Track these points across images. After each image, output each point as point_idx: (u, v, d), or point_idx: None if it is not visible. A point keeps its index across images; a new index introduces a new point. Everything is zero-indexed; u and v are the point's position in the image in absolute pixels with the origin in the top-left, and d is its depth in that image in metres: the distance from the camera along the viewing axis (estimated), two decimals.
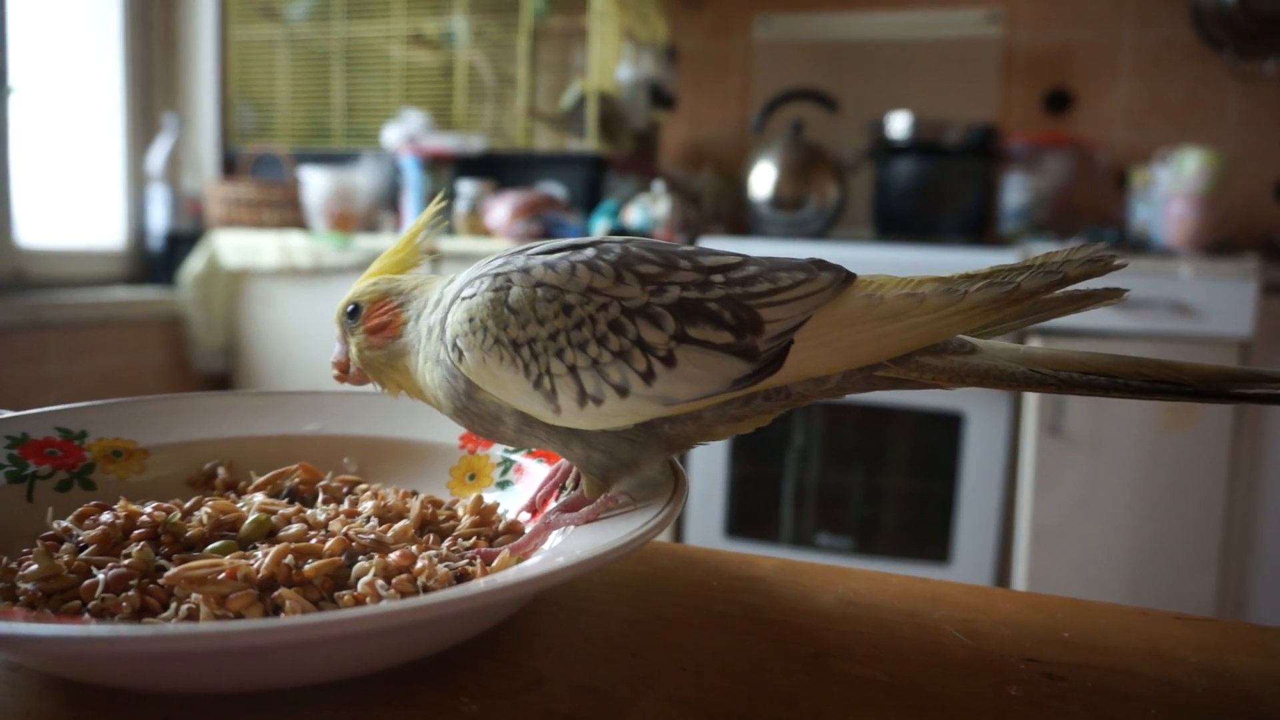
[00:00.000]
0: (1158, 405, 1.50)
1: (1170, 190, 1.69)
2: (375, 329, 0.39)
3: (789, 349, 0.33)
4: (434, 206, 0.41)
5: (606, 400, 0.34)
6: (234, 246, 1.92)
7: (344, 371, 0.40)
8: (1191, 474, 1.50)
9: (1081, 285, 0.33)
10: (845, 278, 0.35)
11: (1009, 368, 0.33)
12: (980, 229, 1.92)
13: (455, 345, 0.35)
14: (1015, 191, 1.93)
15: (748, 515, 1.74)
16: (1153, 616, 0.38)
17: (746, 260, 0.35)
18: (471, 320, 0.35)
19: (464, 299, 0.35)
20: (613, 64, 1.99)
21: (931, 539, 1.63)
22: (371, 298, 0.39)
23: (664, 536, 1.71)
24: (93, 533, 0.33)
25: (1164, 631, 0.36)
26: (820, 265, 0.35)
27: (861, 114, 2.02)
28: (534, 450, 0.44)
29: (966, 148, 1.87)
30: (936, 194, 1.89)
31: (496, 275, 0.35)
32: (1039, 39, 2.09)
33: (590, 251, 0.35)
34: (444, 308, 0.37)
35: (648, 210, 1.77)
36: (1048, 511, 1.55)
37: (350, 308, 0.40)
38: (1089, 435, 1.52)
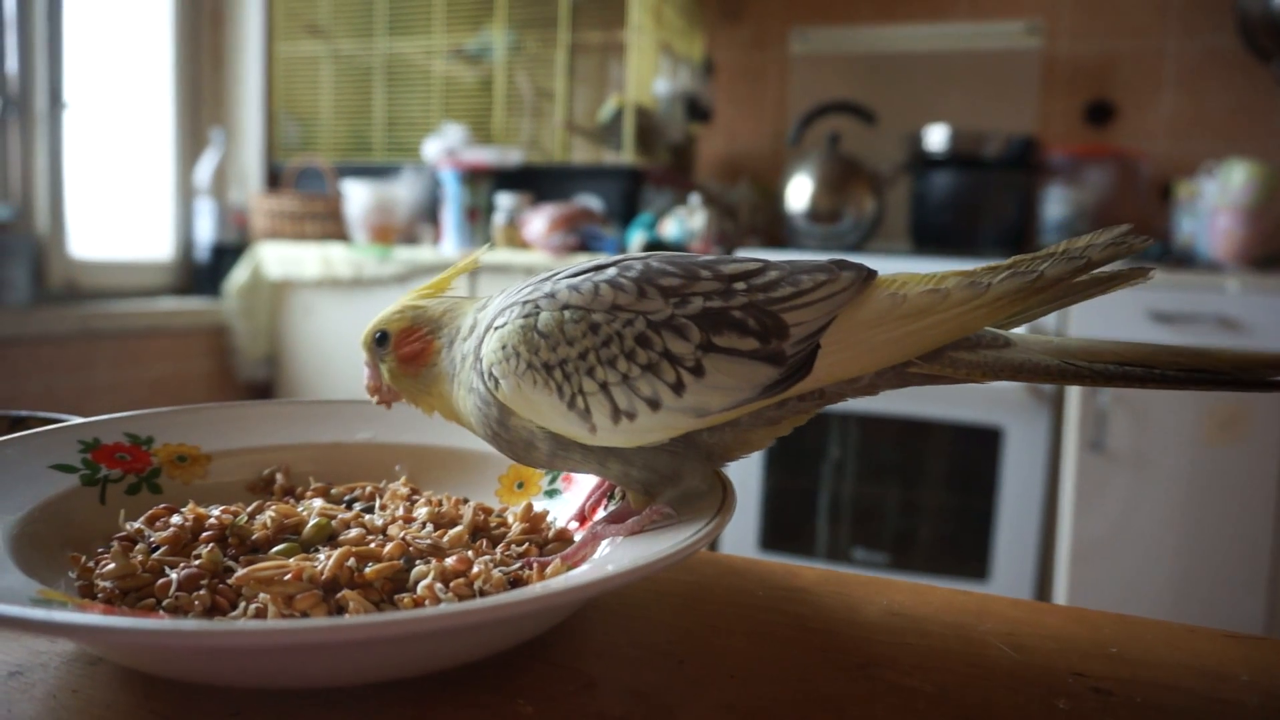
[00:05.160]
0: (1203, 420, 1.47)
1: (1216, 203, 1.66)
2: (407, 357, 0.39)
3: (816, 352, 0.34)
4: (474, 256, 0.42)
5: (639, 415, 0.34)
6: (277, 258, 1.96)
7: (378, 392, 0.41)
8: (1239, 491, 1.47)
9: (1106, 269, 0.33)
10: (867, 275, 0.35)
11: (1043, 360, 0.33)
12: (1020, 242, 1.91)
13: (491, 374, 0.36)
14: (1056, 204, 1.91)
15: (782, 528, 1.73)
16: (1202, 633, 0.37)
17: (767, 265, 0.36)
18: (504, 348, 0.35)
19: (496, 329, 0.36)
20: (650, 78, 2.01)
21: (970, 555, 1.62)
22: (399, 325, 0.40)
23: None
24: (164, 534, 0.35)
25: (1214, 648, 0.36)
26: (841, 265, 0.35)
27: (899, 126, 2.02)
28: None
29: (1006, 160, 1.86)
30: (975, 207, 1.88)
31: (525, 303, 0.36)
32: (1080, 50, 2.07)
33: (612, 270, 0.36)
34: (478, 336, 0.37)
35: (684, 223, 1.78)
36: (1089, 528, 1.52)
37: (378, 335, 0.40)
38: (1132, 451, 1.50)
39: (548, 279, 0.37)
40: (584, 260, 0.38)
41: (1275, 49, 1.85)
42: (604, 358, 0.34)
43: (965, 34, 2.13)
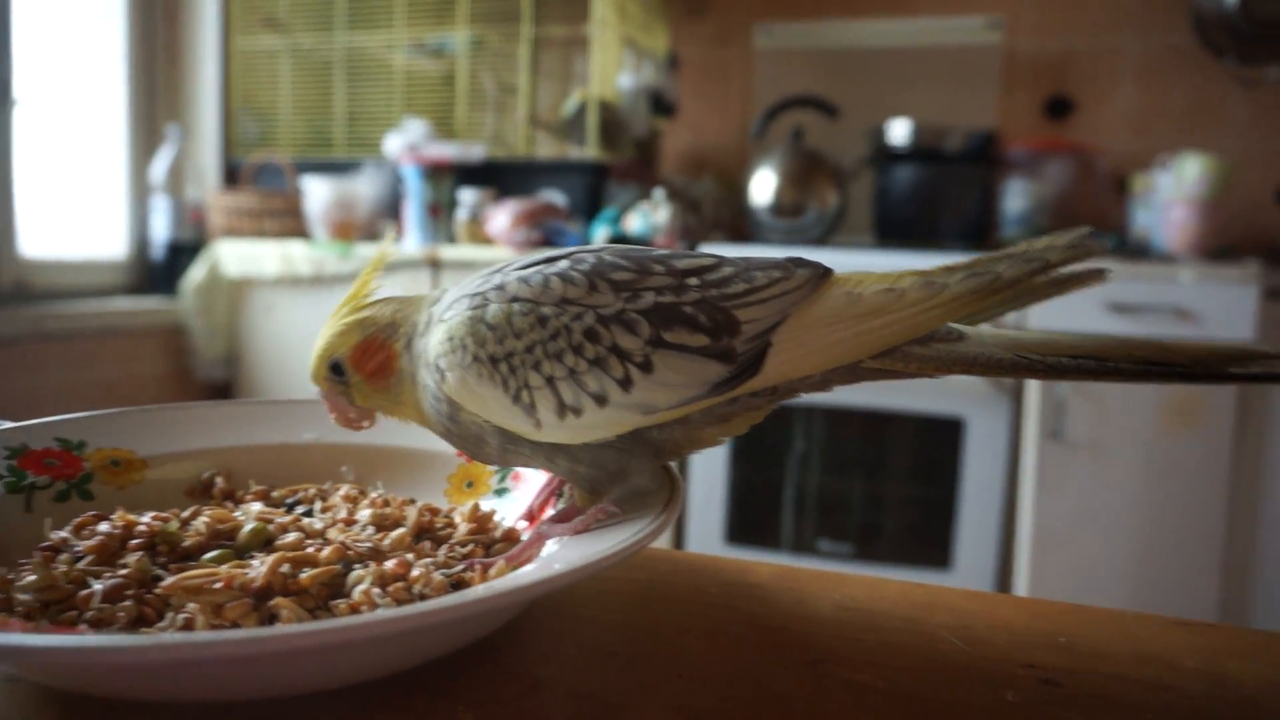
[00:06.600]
0: (1159, 408, 1.50)
1: (1171, 196, 1.69)
2: (375, 373, 0.37)
3: (767, 350, 0.33)
4: (383, 249, 0.40)
5: (586, 411, 0.33)
6: (236, 256, 1.92)
7: (350, 423, 0.39)
8: (1193, 478, 1.50)
9: (1063, 270, 0.33)
10: (822, 274, 0.35)
11: (997, 354, 0.32)
12: (981, 235, 1.92)
13: (438, 366, 0.35)
14: (1016, 197, 1.93)
15: (748, 521, 1.74)
16: (1151, 621, 0.37)
17: (722, 261, 0.35)
18: (451, 340, 0.35)
19: (443, 320, 0.35)
20: (613, 72, 2.00)
21: (933, 544, 1.63)
22: (351, 343, 0.38)
23: (664, 543, 1.69)
24: (90, 543, 0.33)
25: (1162, 636, 0.36)
26: (797, 263, 0.35)
27: (862, 121, 2.03)
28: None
29: (967, 154, 1.87)
30: (937, 200, 1.89)
31: (474, 295, 0.35)
32: (1040, 46, 2.09)
33: (564, 263, 0.35)
34: (432, 330, 0.36)
35: (648, 217, 1.77)
36: (1049, 516, 1.54)
37: (332, 365, 0.38)
38: (1090, 440, 1.52)
39: (498, 271, 0.36)
40: (537, 253, 0.37)
41: (1229, 45, 1.88)
42: (551, 351, 0.33)
43: (927, 29, 2.15)
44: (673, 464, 0.39)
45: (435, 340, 0.35)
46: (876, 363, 0.34)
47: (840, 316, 0.33)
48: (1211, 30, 1.89)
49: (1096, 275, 0.32)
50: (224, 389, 2.01)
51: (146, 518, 0.35)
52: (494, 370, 0.34)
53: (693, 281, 0.34)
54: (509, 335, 0.34)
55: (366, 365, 0.38)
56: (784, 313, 0.33)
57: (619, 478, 0.36)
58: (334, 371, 0.38)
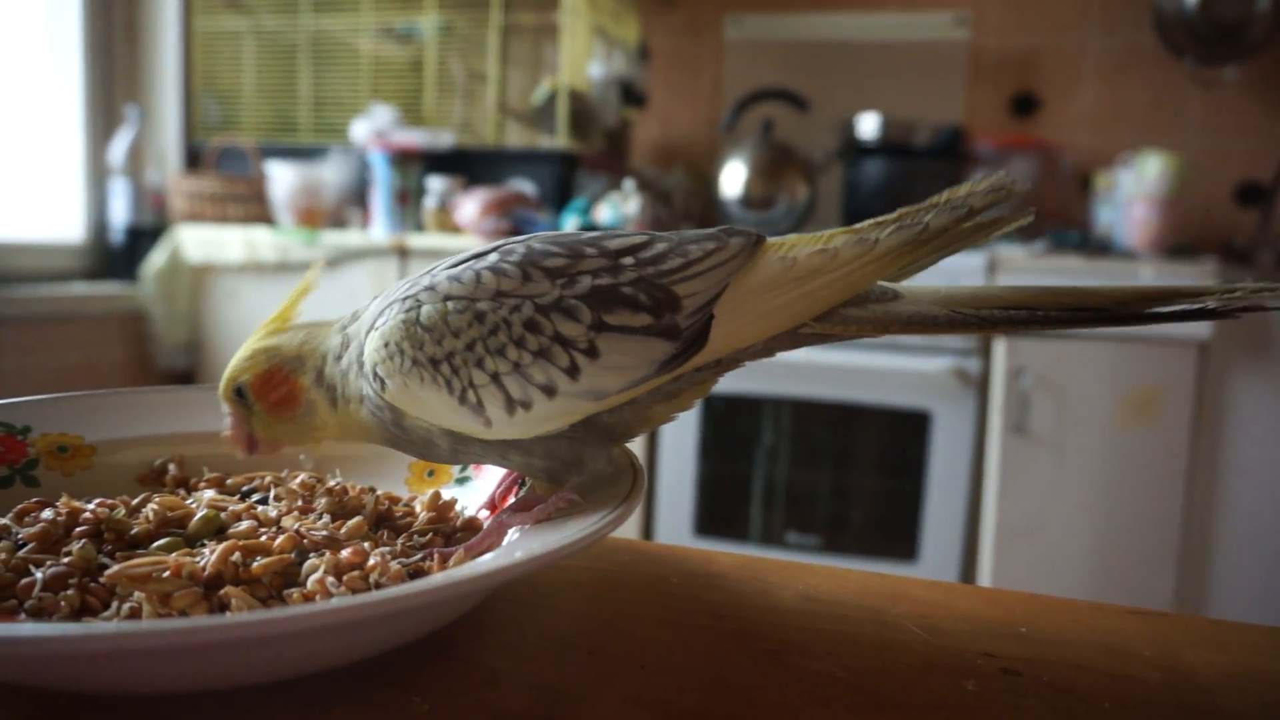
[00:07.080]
0: (1119, 404, 1.52)
1: (1132, 193, 1.71)
2: (276, 405, 0.37)
3: (710, 322, 0.33)
4: (309, 278, 0.39)
5: (535, 404, 0.33)
6: (197, 241, 1.89)
7: (250, 447, 0.38)
8: (1152, 472, 1.53)
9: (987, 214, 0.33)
10: (756, 241, 0.34)
11: (932, 311, 0.33)
12: None
13: (376, 374, 0.34)
14: None
15: (717, 514, 1.74)
16: (1108, 611, 0.38)
17: (654, 238, 0.35)
18: (387, 346, 0.34)
19: (377, 328, 0.35)
20: (584, 61, 1.98)
21: (899, 537, 1.65)
22: (254, 372, 0.37)
23: (632, 535, 1.69)
24: (32, 530, 0.32)
25: (1119, 626, 0.36)
26: (730, 232, 0.35)
27: (831, 114, 2.03)
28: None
29: (934, 149, 1.89)
30: (905, 194, 1.90)
31: (406, 298, 0.34)
32: (1006, 43, 2.11)
33: (493, 257, 0.34)
34: (359, 343, 0.35)
35: (618, 208, 1.76)
36: (1012, 509, 1.56)
37: (236, 390, 0.37)
38: (1053, 434, 1.54)
39: (426, 273, 0.35)
40: (465, 250, 0.36)
41: (1189, 45, 1.91)
42: (492, 347, 0.33)
43: (896, 24, 2.16)
44: (637, 455, 0.39)
45: (370, 348, 0.34)
46: (817, 328, 0.34)
47: (778, 282, 0.33)
48: (1172, 30, 1.92)
49: (1020, 215, 0.33)
50: (185, 376, 1.97)
51: (92, 505, 0.34)
52: (435, 372, 0.33)
53: (628, 261, 0.34)
54: (447, 335, 0.33)
55: (269, 396, 0.37)
56: (723, 283, 0.33)
57: (575, 466, 0.35)
58: (239, 395, 0.37)
